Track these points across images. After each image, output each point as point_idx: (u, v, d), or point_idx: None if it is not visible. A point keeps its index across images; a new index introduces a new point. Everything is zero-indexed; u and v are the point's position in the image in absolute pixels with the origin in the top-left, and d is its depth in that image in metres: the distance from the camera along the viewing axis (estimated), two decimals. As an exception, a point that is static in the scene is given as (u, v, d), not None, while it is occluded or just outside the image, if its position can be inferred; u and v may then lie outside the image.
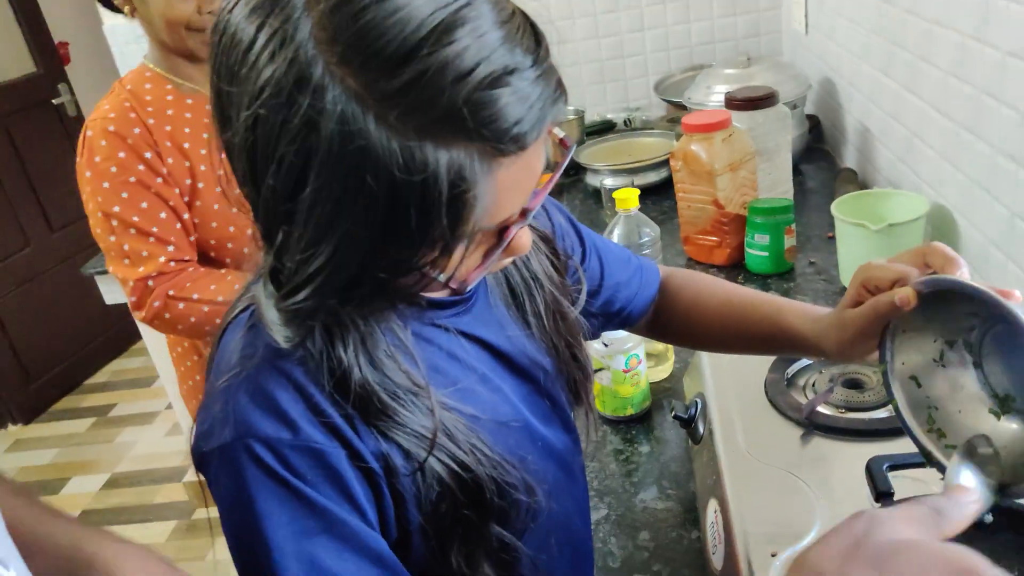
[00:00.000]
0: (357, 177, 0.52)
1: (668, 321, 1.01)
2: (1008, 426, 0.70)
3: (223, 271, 1.45)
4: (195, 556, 2.79)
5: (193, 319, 1.40)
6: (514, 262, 0.78)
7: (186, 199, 1.41)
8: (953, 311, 0.71)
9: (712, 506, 1.00)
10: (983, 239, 1.29)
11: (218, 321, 0.70)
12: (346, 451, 0.62)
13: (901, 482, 0.81)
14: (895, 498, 0.78)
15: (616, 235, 1.36)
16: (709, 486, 1.03)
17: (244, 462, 0.61)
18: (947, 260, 0.69)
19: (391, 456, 0.63)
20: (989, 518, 0.74)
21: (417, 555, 0.68)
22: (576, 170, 2.20)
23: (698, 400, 1.15)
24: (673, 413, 1.16)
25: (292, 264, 0.57)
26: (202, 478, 0.64)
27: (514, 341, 0.77)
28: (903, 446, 0.94)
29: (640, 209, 1.38)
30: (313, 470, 0.61)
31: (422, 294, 0.67)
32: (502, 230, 0.61)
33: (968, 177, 1.32)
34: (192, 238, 1.44)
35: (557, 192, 2.18)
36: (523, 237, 0.64)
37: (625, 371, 1.25)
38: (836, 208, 1.45)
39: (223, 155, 0.59)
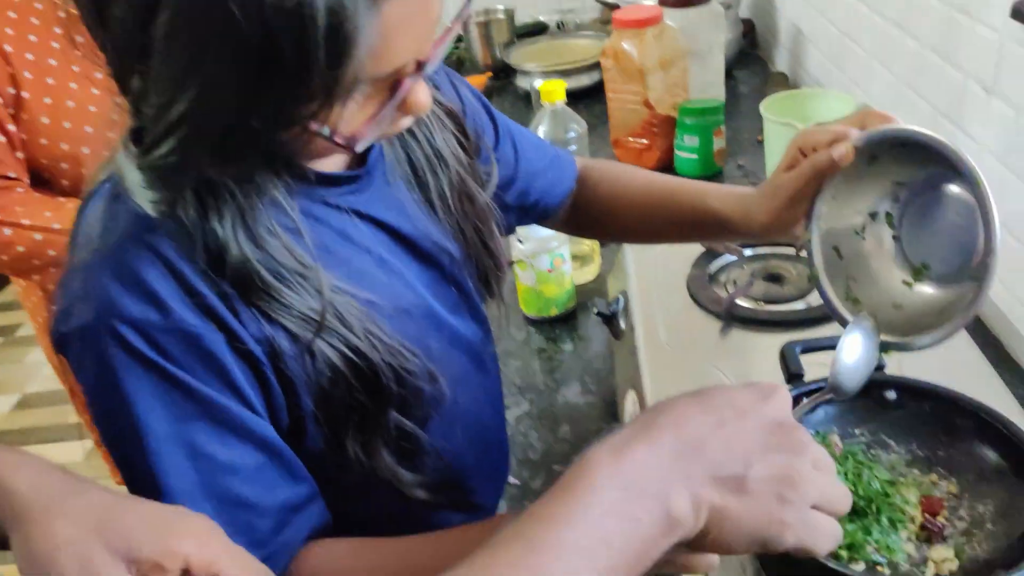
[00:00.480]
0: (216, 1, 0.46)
1: (588, 213, 0.97)
2: (920, 292, 0.74)
3: (63, 199, 1.29)
4: (114, 473, 2.75)
5: (22, 248, 1.23)
6: (416, 138, 0.73)
7: (11, 111, 1.23)
8: (882, 179, 0.74)
9: (631, 397, 1.01)
10: (906, 138, 1.30)
11: (52, 253, 0.64)
12: (223, 334, 0.58)
13: (812, 367, 0.81)
14: (805, 379, 0.78)
15: (542, 131, 1.32)
16: (629, 379, 1.04)
17: (108, 345, 0.56)
18: (885, 120, 0.70)
19: (276, 339, 0.60)
20: (892, 395, 0.76)
21: (312, 444, 0.65)
22: (506, 72, 2.14)
23: (621, 297, 1.14)
24: (596, 310, 1.15)
25: (152, 111, 0.52)
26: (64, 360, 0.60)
27: (416, 224, 0.72)
28: (818, 334, 0.95)
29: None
30: (186, 354, 0.57)
31: (310, 166, 0.63)
32: (395, 83, 0.56)
33: (895, 75, 1.31)
34: (19, 155, 1.26)
35: (487, 94, 2.11)
36: (420, 94, 0.59)
37: (549, 271, 1.23)
38: (765, 107, 1.43)
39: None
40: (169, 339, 0.57)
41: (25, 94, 1.23)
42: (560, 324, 1.29)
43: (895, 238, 0.75)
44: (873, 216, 0.76)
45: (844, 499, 0.50)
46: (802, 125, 1.34)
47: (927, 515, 0.67)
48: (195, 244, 0.57)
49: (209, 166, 0.56)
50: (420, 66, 0.56)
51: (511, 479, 1.01)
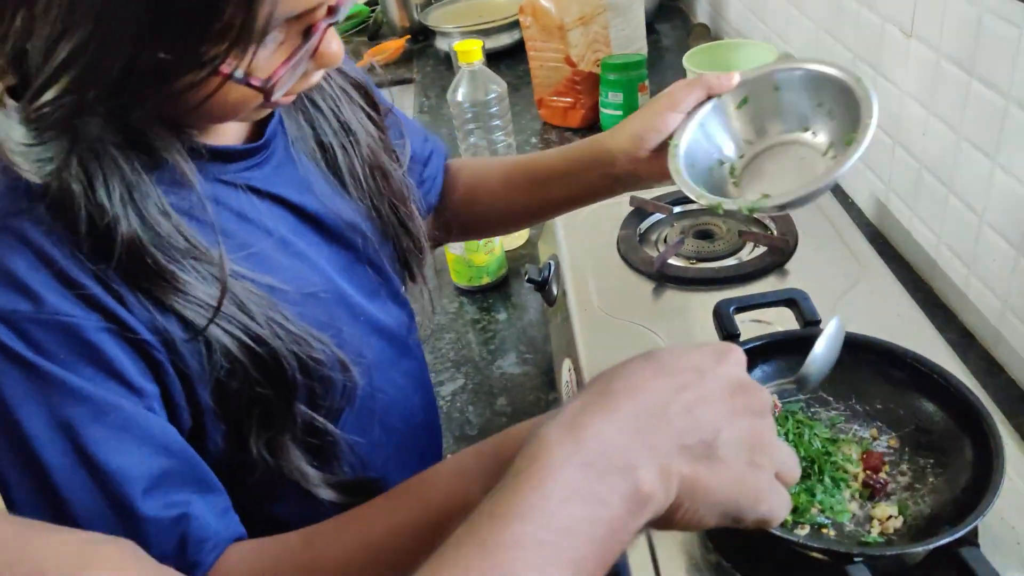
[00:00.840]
0: None
1: (452, 205, 0.91)
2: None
3: None
4: None
5: None
6: (321, 110, 0.69)
7: None
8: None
9: (566, 365, 0.98)
10: (828, 85, 1.29)
11: None
12: (108, 323, 0.52)
13: (746, 326, 0.80)
14: (740, 339, 0.77)
15: (461, 93, 1.27)
16: (563, 346, 1.01)
17: None
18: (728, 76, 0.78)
19: (169, 329, 0.55)
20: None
21: (214, 445, 0.60)
22: (424, 34, 2.07)
23: (551, 262, 1.11)
24: (527, 277, 1.12)
25: (38, 51, 0.46)
26: None
27: (325, 202, 0.68)
28: (751, 290, 0.94)
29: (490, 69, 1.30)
30: (65, 347, 0.51)
31: (203, 140, 0.57)
32: (308, 29, 0.52)
33: (814, 22, 1.30)
34: None
35: (406, 58, 2.05)
36: (333, 43, 0.55)
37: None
38: (687, 60, 1.41)
39: None
40: (43, 332, 0.51)
41: None
42: (493, 293, 1.25)
43: (734, 184, 0.79)
44: (720, 163, 0.80)
45: (797, 465, 0.48)
46: (726, 77, 1.32)
47: (869, 471, 0.66)
48: (77, 221, 0.51)
49: (103, 116, 0.50)
50: (332, 11, 0.52)
51: (448, 456, 0.97)
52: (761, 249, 1.03)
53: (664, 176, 0.77)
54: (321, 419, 0.63)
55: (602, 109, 1.55)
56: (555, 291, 1.10)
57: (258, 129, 0.64)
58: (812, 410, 0.74)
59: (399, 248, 0.76)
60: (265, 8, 0.46)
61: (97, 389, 0.52)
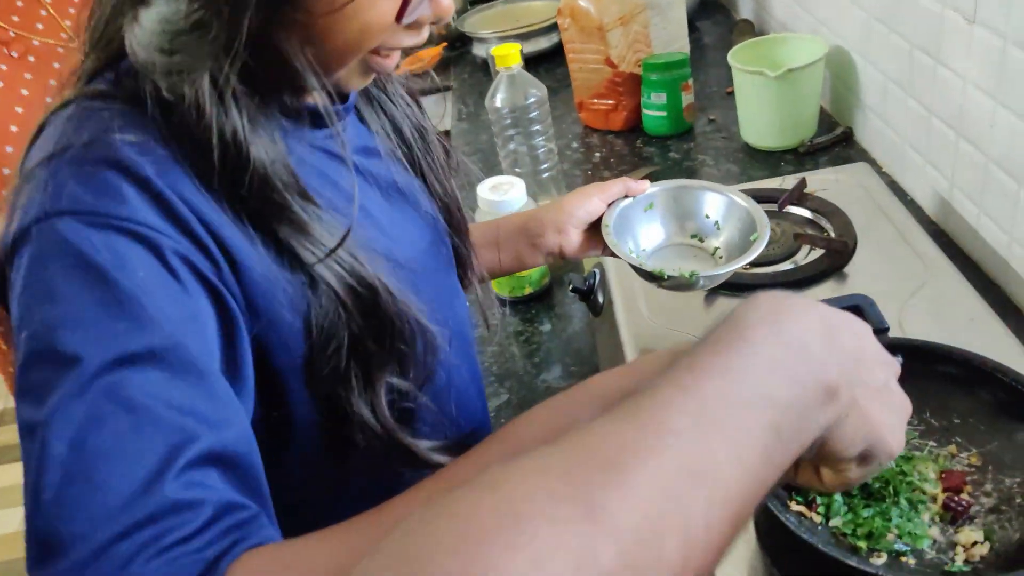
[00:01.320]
0: None
1: None
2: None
3: None
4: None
5: None
6: (396, 106, 0.71)
7: None
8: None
9: (615, 379, 0.94)
10: (882, 77, 1.23)
11: None
12: (206, 260, 0.50)
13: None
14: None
15: (499, 98, 1.23)
16: (610, 357, 0.97)
17: (52, 239, 0.46)
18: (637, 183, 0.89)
19: (278, 267, 0.53)
20: (899, 359, 0.69)
21: (300, 412, 0.57)
22: (462, 41, 2.04)
23: (596, 271, 1.07)
24: (571, 287, 1.08)
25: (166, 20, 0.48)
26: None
27: (406, 182, 0.69)
28: (809, 297, 0.89)
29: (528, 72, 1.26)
30: (148, 266, 0.47)
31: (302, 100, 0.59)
32: None
33: (866, 11, 1.24)
34: None
35: (443, 66, 2.02)
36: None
37: (520, 247, 1.16)
38: (733, 57, 1.36)
39: None
40: (126, 242, 0.47)
41: None
42: (536, 303, 1.21)
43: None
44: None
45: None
46: (773, 73, 1.27)
47: (949, 492, 0.61)
48: (204, 144, 0.50)
49: (241, 35, 0.50)
50: None
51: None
52: (818, 252, 0.98)
53: (579, 252, 0.89)
54: (410, 385, 0.61)
55: (644, 110, 1.51)
56: (601, 300, 1.06)
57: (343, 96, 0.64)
58: (882, 425, 0.69)
59: (457, 253, 0.77)
60: None
61: (163, 319, 0.46)
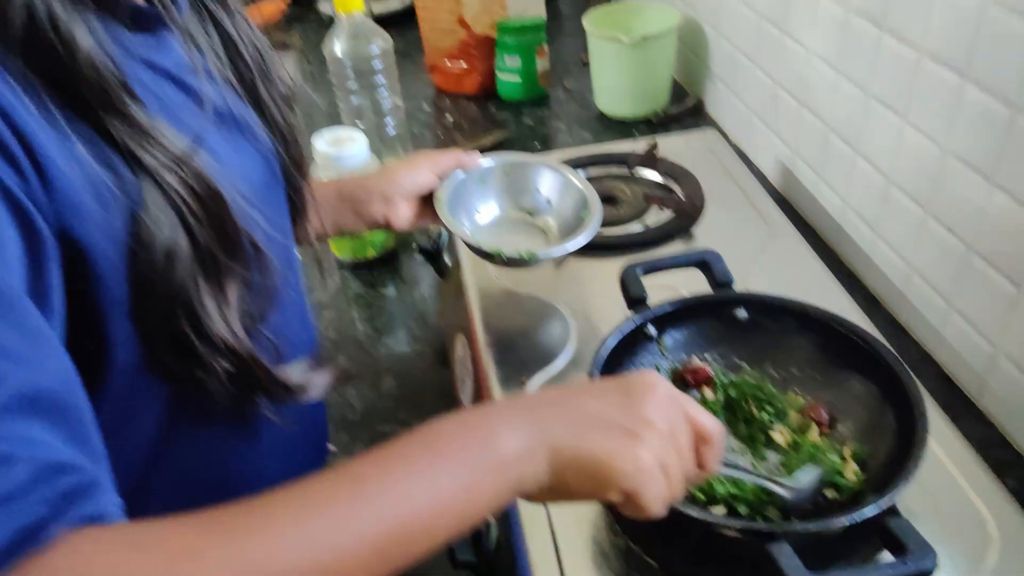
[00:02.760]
0: None
1: None
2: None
3: None
4: None
5: None
6: (242, 38, 0.62)
7: None
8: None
9: (460, 341, 0.89)
10: (731, 48, 1.24)
11: None
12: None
13: (653, 290, 0.73)
14: (648, 303, 0.70)
15: (339, 48, 1.15)
16: (457, 321, 0.92)
17: None
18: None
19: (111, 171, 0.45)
20: (743, 313, 0.69)
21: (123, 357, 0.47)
22: (308, -2, 1.94)
23: (444, 231, 1.02)
24: (417, 247, 1.02)
25: None
26: None
27: (236, 106, 0.60)
28: (657, 255, 0.88)
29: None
30: None
31: None
32: None
33: (717, -17, 1.25)
34: None
35: (286, 24, 1.90)
36: None
37: (363, 206, 1.09)
38: (588, 21, 1.33)
39: None
40: None
41: None
42: (380, 267, 1.15)
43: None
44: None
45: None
46: (627, 39, 1.26)
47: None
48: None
49: None
50: None
51: (329, 446, 0.87)
52: (668, 214, 0.97)
53: (409, 224, 0.84)
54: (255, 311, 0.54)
55: (499, 74, 1.47)
56: (448, 262, 1.01)
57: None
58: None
59: (290, 199, 0.68)
60: None
61: None
